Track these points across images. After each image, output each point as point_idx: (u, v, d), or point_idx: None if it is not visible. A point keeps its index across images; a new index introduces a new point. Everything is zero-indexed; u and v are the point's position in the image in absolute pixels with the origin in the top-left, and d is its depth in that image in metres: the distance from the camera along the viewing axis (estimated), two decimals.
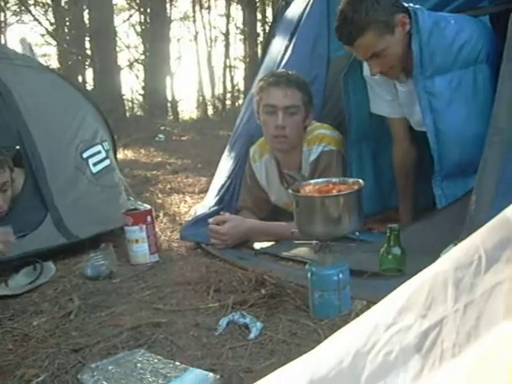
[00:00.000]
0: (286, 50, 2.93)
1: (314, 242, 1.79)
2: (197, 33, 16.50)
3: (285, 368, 0.71)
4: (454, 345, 0.60)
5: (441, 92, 2.09)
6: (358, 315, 1.63)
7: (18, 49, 4.63)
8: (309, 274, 1.73)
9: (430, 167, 2.31)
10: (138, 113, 14.39)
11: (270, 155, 2.65)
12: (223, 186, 2.87)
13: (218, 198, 2.86)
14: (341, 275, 1.70)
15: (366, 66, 2.34)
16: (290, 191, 1.83)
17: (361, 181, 1.78)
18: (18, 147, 2.65)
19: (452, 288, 0.63)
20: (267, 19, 14.48)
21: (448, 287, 0.64)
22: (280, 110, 2.40)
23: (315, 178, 2.40)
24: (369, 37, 2.04)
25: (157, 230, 2.59)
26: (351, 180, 1.83)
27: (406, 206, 2.50)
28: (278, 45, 3.01)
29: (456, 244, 1.96)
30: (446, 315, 0.62)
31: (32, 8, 13.38)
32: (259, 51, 13.30)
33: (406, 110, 2.37)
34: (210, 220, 2.47)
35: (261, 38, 14.18)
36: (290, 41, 2.93)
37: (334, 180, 1.86)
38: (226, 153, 3.07)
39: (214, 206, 2.82)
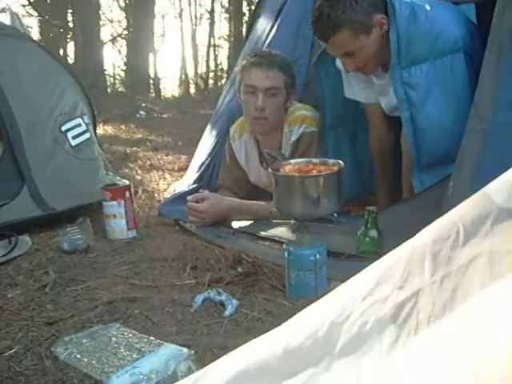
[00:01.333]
0: (270, 30, 2.91)
1: (292, 221, 1.79)
2: (182, 10, 16.31)
3: (260, 338, 0.72)
4: (430, 316, 0.60)
5: (417, 83, 2.07)
6: None
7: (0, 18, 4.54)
8: (286, 254, 1.74)
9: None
10: (120, 89, 14.22)
11: (249, 135, 2.64)
12: (203, 163, 2.86)
13: (197, 175, 2.85)
14: (318, 255, 1.71)
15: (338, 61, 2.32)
16: (269, 170, 1.83)
17: (341, 162, 1.79)
18: None
19: (429, 260, 0.64)
20: None
21: (425, 260, 0.64)
22: (260, 91, 2.37)
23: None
24: (343, 35, 2.03)
25: (135, 206, 2.58)
26: (331, 161, 1.83)
27: (383, 190, 2.51)
28: (263, 24, 2.99)
29: None
30: (422, 287, 0.63)
31: None
32: (244, 31, 13.20)
33: (382, 99, 2.36)
34: (189, 197, 2.46)
35: (246, 18, 14.07)
36: (275, 20, 2.91)
37: (314, 160, 1.86)
38: (206, 131, 3.05)
39: (193, 184, 2.80)
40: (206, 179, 2.83)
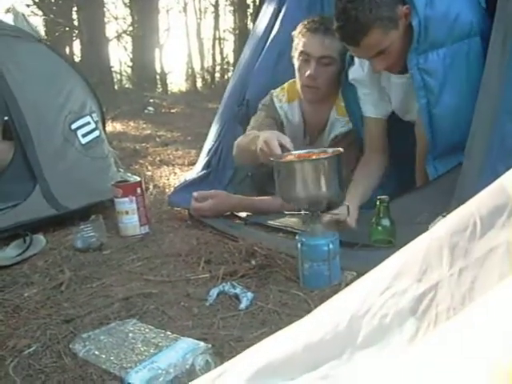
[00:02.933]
0: (276, 17, 2.89)
1: (304, 212, 1.79)
2: (186, 4, 16.29)
3: (281, 332, 0.72)
4: (449, 308, 0.60)
5: (435, 69, 2.02)
6: (348, 286, 1.65)
7: (6, 19, 4.54)
8: (299, 245, 1.74)
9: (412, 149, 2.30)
10: (127, 85, 14.24)
11: (299, 102, 2.54)
12: (210, 149, 2.85)
13: (205, 161, 2.84)
14: (331, 245, 1.71)
15: (353, 69, 2.29)
16: (272, 159, 1.82)
17: (341, 149, 1.80)
18: (6, 118, 2.63)
19: (447, 253, 0.64)
20: None
21: (443, 252, 0.64)
22: (313, 59, 2.31)
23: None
24: (374, 35, 1.94)
25: (147, 202, 2.59)
26: (331, 149, 1.85)
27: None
28: (269, 11, 2.97)
29: (444, 216, 1.98)
30: (441, 279, 0.63)
31: None
32: (249, 23, 13.18)
33: (397, 101, 2.31)
34: (195, 194, 2.45)
35: (251, 10, 14.03)
36: (281, 7, 2.89)
37: (315, 150, 1.86)
38: (214, 121, 3.05)
39: (201, 171, 2.80)
40: (214, 164, 2.82)
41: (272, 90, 2.64)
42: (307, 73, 2.33)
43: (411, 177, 2.45)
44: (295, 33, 2.44)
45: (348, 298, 0.69)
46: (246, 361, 0.70)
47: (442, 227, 0.67)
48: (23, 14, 4.74)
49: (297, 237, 1.78)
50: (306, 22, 2.40)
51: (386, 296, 0.65)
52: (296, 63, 2.42)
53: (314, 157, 1.78)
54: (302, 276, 1.76)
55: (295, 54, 2.41)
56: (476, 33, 1.99)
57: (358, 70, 2.28)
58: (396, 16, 1.96)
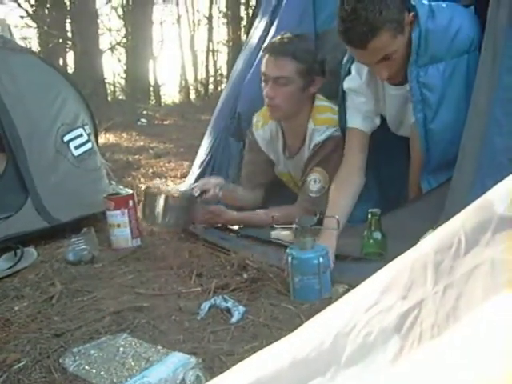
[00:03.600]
0: (269, 29, 2.89)
1: (294, 226, 1.80)
2: (179, 16, 16.34)
3: (267, 349, 0.72)
4: (433, 325, 0.61)
5: (434, 84, 2.01)
6: (339, 299, 1.65)
7: None
8: (289, 258, 1.75)
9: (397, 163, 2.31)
10: (120, 97, 14.23)
11: (275, 123, 2.58)
12: (203, 162, 2.85)
13: (198, 173, 2.84)
14: (321, 259, 1.72)
15: (349, 78, 2.29)
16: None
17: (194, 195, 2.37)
18: None
19: (432, 270, 0.64)
20: (251, 2, 14.33)
21: (428, 270, 0.65)
22: (270, 79, 2.33)
23: (316, 160, 2.38)
24: (383, 38, 1.91)
25: (139, 214, 2.58)
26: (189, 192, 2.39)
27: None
28: (262, 23, 2.98)
29: (434, 229, 1.99)
30: (425, 297, 0.63)
31: None
32: (243, 35, 13.22)
33: (392, 114, 2.31)
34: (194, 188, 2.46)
35: (244, 22, 14.09)
36: (274, 19, 2.90)
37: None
38: (206, 134, 3.05)
39: (194, 183, 2.81)
40: (207, 176, 2.82)
41: (256, 114, 2.68)
42: (264, 92, 2.37)
43: (396, 191, 2.46)
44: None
45: (335, 314, 0.69)
46: (234, 377, 0.70)
47: (428, 244, 0.68)
48: (9, 26, 4.73)
49: (287, 250, 1.79)
50: (268, 43, 2.46)
51: (372, 313, 0.65)
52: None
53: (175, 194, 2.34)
54: (292, 289, 1.76)
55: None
56: (476, 48, 1.98)
57: (356, 79, 2.28)
58: (403, 21, 1.95)
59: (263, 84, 2.40)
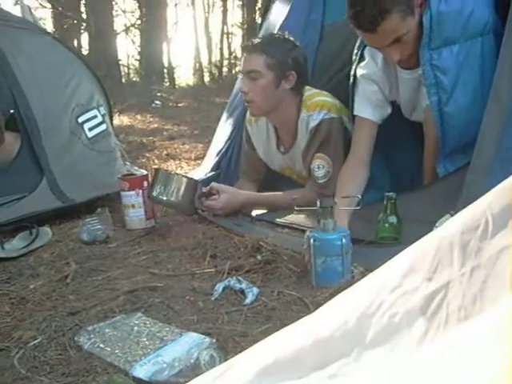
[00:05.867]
0: (282, 17, 2.89)
1: (317, 207, 1.76)
2: None
3: (289, 328, 0.72)
4: (460, 308, 0.59)
5: (448, 66, 1.99)
6: (355, 282, 1.64)
7: (14, 11, 4.55)
8: (311, 240, 1.70)
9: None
10: (134, 79, 14.25)
11: (267, 118, 2.62)
12: (220, 151, 2.86)
13: (214, 162, 2.85)
14: (344, 240, 1.70)
15: (363, 64, 2.26)
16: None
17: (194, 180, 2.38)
18: (12, 111, 2.63)
19: (458, 252, 0.63)
20: None
21: (454, 251, 0.63)
22: (243, 74, 2.41)
23: (315, 146, 2.39)
24: (393, 20, 1.90)
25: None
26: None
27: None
28: (276, 11, 2.97)
29: (452, 214, 1.97)
30: (452, 279, 0.62)
31: None
32: (257, 17, 13.15)
33: (405, 98, 2.29)
34: (205, 188, 2.45)
35: (259, 5, 13.99)
36: (287, 7, 2.89)
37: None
38: (222, 119, 3.05)
39: (210, 171, 2.81)
40: (224, 166, 2.84)
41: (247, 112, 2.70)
42: (239, 88, 2.44)
43: (408, 177, 2.44)
44: None
45: (357, 294, 0.68)
46: (252, 357, 0.69)
47: (453, 225, 0.66)
48: (29, 7, 4.75)
49: (308, 233, 1.75)
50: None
51: (396, 294, 0.64)
52: None
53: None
54: (314, 272, 1.72)
55: None
56: (490, 30, 1.96)
57: (371, 65, 2.25)
58: (412, 3, 1.93)
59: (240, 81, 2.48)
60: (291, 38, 2.44)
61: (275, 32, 2.66)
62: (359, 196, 2.02)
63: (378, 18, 1.89)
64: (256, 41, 2.42)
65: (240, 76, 2.96)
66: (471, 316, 0.58)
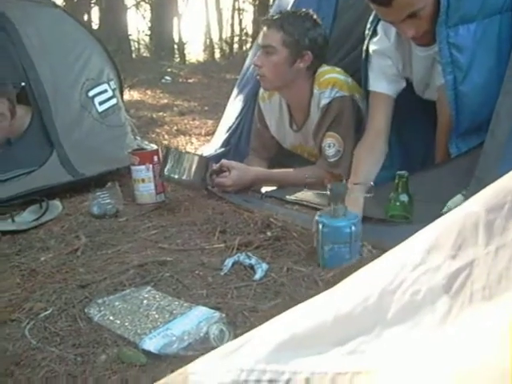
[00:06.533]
0: None
1: (328, 191, 1.73)
2: None
3: (309, 303, 0.71)
4: (484, 287, 0.58)
5: (464, 45, 1.95)
6: (365, 260, 1.64)
7: None
8: (320, 226, 1.67)
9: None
10: (145, 54, 14.17)
11: (280, 95, 2.61)
12: (230, 127, 2.85)
13: (224, 138, 2.84)
14: (353, 227, 1.65)
15: (376, 40, 2.23)
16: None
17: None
18: (23, 84, 2.63)
19: (483, 230, 0.61)
20: None
21: (479, 229, 0.62)
22: (260, 48, 2.41)
23: (326, 124, 2.38)
24: None
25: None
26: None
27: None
28: None
29: (464, 195, 1.95)
30: (476, 257, 0.60)
31: None
32: None
33: (418, 76, 2.26)
34: (215, 165, 2.44)
35: None
36: None
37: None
38: (233, 95, 3.03)
39: (220, 148, 2.80)
40: (234, 142, 2.83)
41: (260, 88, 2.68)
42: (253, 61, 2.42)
43: (420, 157, 2.43)
44: None
45: (378, 271, 0.67)
46: (268, 333, 0.68)
47: (477, 203, 0.64)
48: None
49: (316, 217, 1.71)
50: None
51: (419, 271, 0.63)
52: None
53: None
54: (321, 258, 1.70)
55: None
56: (508, 8, 1.92)
57: (383, 40, 2.22)
58: None
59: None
60: (314, 17, 2.40)
61: (293, 8, 2.62)
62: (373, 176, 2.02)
63: None
64: (276, 16, 2.39)
65: (253, 50, 2.95)
66: (496, 295, 0.57)
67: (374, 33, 2.24)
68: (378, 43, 2.23)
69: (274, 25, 2.35)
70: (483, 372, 0.53)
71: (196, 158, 2.31)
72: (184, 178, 2.29)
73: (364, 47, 2.28)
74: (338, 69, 2.46)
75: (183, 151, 2.47)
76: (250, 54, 3.09)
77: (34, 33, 2.70)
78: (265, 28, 2.39)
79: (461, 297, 0.60)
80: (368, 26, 2.27)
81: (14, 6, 2.77)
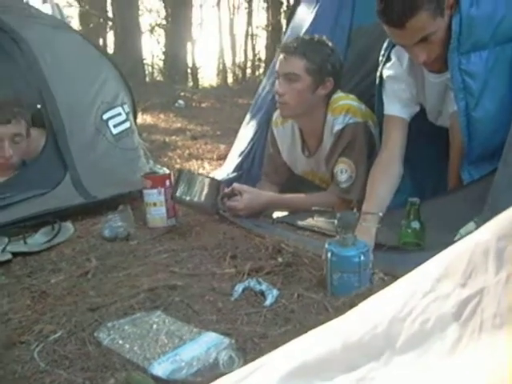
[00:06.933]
0: (309, 18, 2.88)
1: (336, 221, 1.72)
2: None
3: (315, 331, 0.70)
4: (495, 315, 0.58)
5: (476, 71, 1.96)
6: (376, 287, 1.62)
7: (43, 8, 4.61)
8: (328, 254, 1.67)
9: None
10: (158, 78, 14.34)
11: (293, 121, 2.61)
12: (243, 152, 2.86)
13: (237, 163, 2.85)
14: (362, 257, 1.64)
15: (389, 65, 2.25)
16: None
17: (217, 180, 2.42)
18: (39, 106, 2.66)
19: (494, 258, 0.61)
20: None
21: (489, 257, 0.61)
22: (280, 76, 2.39)
23: (339, 150, 2.38)
24: (422, 17, 1.87)
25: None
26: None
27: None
28: (303, 13, 2.96)
29: (477, 222, 1.94)
30: (486, 285, 0.60)
31: None
32: (282, 20, 13.15)
33: (431, 103, 2.27)
34: (227, 189, 2.45)
35: (284, 7, 14.00)
36: (315, 8, 2.88)
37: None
38: (246, 120, 3.05)
39: (233, 172, 2.81)
40: (246, 167, 2.83)
41: (274, 113, 2.70)
42: (274, 89, 2.40)
43: (431, 183, 2.42)
44: None
45: (387, 299, 0.67)
46: (277, 360, 0.68)
47: (488, 231, 0.64)
48: (57, 5, 4.81)
49: (326, 245, 1.71)
50: (282, 43, 2.51)
51: (428, 299, 0.62)
52: None
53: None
54: (330, 286, 1.69)
55: None
56: None
57: (396, 66, 2.24)
58: (443, 3, 1.90)
59: (276, 82, 2.43)
60: (329, 43, 2.43)
61: (308, 34, 2.64)
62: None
63: (407, 14, 1.86)
64: (296, 43, 2.39)
65: (267, 76, 2.96)
66: (507, 323, 0.57)
67: (388, 59, 2.26)
68: (392, 68, 2.25)
69: (296, 52, 2.35)
70: None
71: (208, 181, 2.32)
72: (195, 200, 2.29)
73: (378, 73, 2.30)
74: (351, 95, 2.47)
75: (195, 173, 2.47)
76: (264, 80, 3.10)
77: (51, 56, 2.75)
78: (284, 55, 2.38)
79: (471, 325, 0.59)
80: (382, 52, 2.29)
81: (30, 28, 2.82)
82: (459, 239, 0.78)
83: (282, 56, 2.40)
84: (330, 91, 2.43)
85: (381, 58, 2.29)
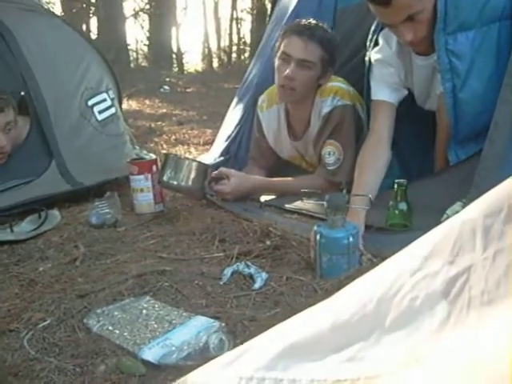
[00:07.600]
0: (294, 1, 2.86)
1: (326, 202, 1.72)
2: None
3: (305, 313, 0.71)
4: (483, 292, 0.58)
5: (463, 52, 1.95)
6: (364, 269, 1.63)
7: None
8: (317, 236, 1.67)
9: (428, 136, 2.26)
10: (143, 64, 14.22)
11: (279, 106, 2.59)
12: (229, 136, 2.85)
13: (224, 147, 2.84)
14: (351, 239, 1.65)
15: (377, 49, 2.25)
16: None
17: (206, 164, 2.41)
18: (22, 93, 2.63)
19: (481, 235, 0.61)
20: None
21: (476, 234, 0.62)
22: (294, 60, 2.32)
23: (327, 132, 2.38)
24: None
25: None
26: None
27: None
28: None
29: (464, 202, 1.95)
30: (474, 263, 0.60)
31: None
32: (267, 3, 13.06)
33: (419, 86, 2.27)
34: (214, 173, 2.44)
35: None
36: None
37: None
38: (233, 105, 3.04)
39: (219, 157, 2.80)
40: (233, 151, 2.83)
41: (262, 94, 2.68)
42: (285, 73, 2.33)
43: (418, 166, 2.43)
44: (280, 33, 2.45)
45: (375, 278, 0.67)
46: (267, 342, 0.68)
47: (475, 209, 0.65)
48: None
49: (315, 227, 1.71)
50: (292, 24, 2.42)
51: (417, 278, 0.63)
52: (276, 63, 2.41)
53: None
54: (319, 268, 1.69)
55: (277, 53, 2.40)
56: (507, 16, 1.92)
57: (385, 49, 2.23)
58: None
59: (279, 63, 2.38)
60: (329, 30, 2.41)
61: (293, 16, 2.62)
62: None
63: None
64: (310, 28, 2.33)
65: (254, 60, 2.93)
66: (495, 300, 0.57)
67: (376, 43, 2.25)
68: (380, 52, 2.24)
69: (313, 39, 2.30)
70: (482, 378, 0.53)
71: (195, 165, 2.31)
72: (183, 184, 2.28)
73: (366, 58, 2.29)
74: (339, 78, 2.46)
75: (182, 158, 2.45)
76: (252, 62, 3.08)
77: (33, 42, 2.71)
78: (301, 40, 2.31)
79: (459, 302, 0.60)
80: (369, 36, 2.28)
81: (12, 13, 2.77)
82: (446, 220, 0.78)
83: (297, 38, 2.32)
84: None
85: (368, 43, 2.28)
